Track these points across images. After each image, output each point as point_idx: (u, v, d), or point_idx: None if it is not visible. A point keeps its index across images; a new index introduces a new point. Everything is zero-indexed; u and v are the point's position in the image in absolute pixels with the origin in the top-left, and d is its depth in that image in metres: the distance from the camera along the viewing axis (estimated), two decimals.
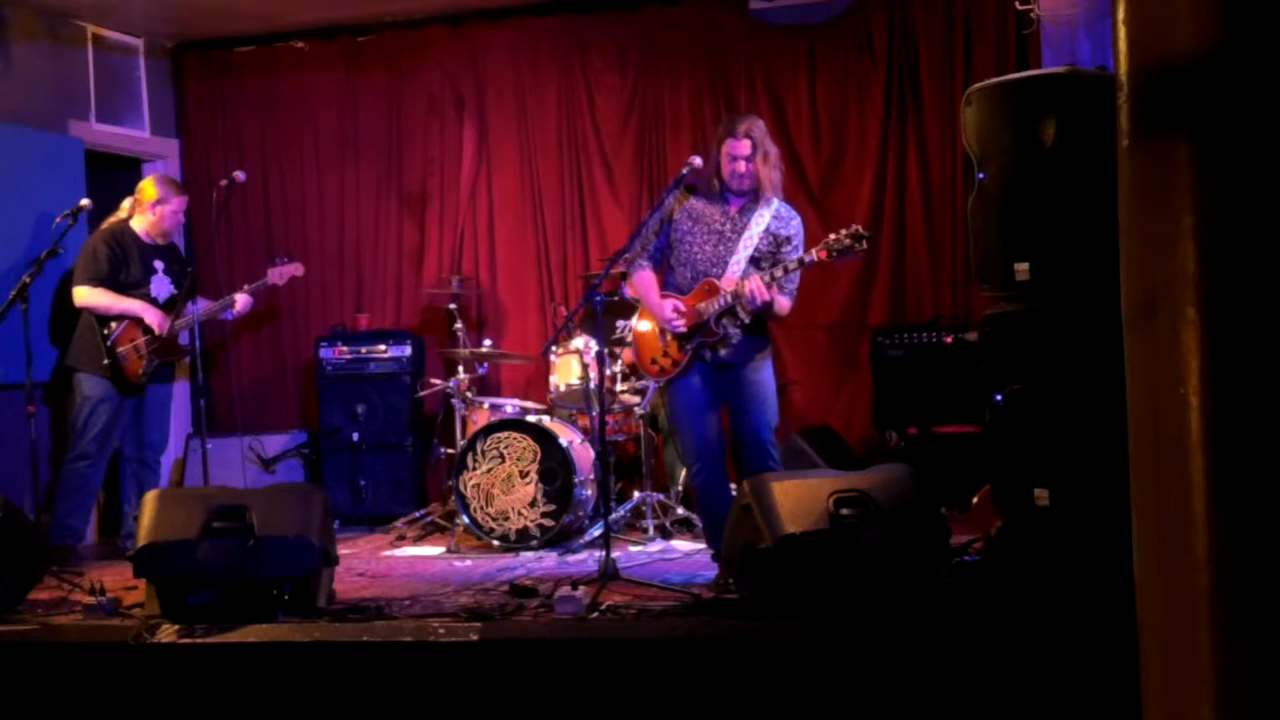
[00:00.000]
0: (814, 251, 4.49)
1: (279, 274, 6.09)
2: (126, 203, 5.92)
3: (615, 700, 3.59)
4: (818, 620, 3.72)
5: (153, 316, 5.72)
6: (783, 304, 4.63)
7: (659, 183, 6.87)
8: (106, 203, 6.04)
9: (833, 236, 4.45)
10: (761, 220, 4.64)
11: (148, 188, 5.88)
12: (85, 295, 5.72)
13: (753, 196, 4.68)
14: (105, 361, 5.66)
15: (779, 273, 4.54)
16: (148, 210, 5.83)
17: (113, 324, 5.70)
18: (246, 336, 7.56)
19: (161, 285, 5.86)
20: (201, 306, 5.85)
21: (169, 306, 5.81)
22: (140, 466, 5.89)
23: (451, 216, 7.31)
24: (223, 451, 6.47)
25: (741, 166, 4.61)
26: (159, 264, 5.88)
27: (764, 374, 4.69)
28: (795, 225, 4.72)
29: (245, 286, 5.98)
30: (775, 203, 4.70)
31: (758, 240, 4.63)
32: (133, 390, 5.76)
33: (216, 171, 7.03)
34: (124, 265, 5.75)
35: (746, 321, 4.60)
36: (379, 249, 7.45)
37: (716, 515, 4.63)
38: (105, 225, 5.87)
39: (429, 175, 7.35)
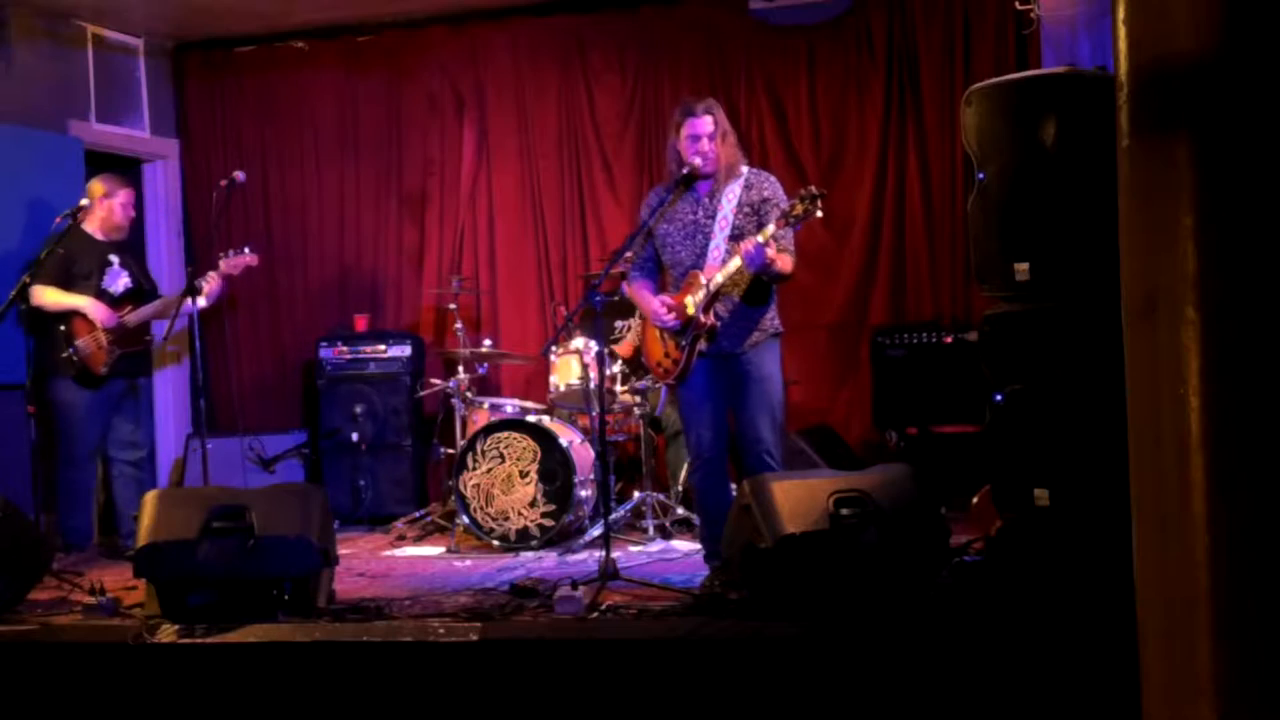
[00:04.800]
0: (771, 227, 4.36)
1: (230, 265, 5.90)
2: (80, 204, 5.89)
3: (615, 700, 3.59)
4: (817, 620, 3.72)
5: (97, 312, 5.66)
6: (785, 262, 4.46)
7: (659, 183, 6.86)
8: None
9: (787, 205, 4.35)
10: (733, 196, 4.55)
11: (94, 186, 5.86)
12: (36, 294, 5.64)
13: (721, 177, 4.59)
14: (65, 355, 5.62)
15: (767, 234, 4.35)
16: (96, 207, 5.80)
17: (66, 320, 5.66)
18: (246, 337, 7.57)
19: (117, 278, 5.82)
20: (157, 303, 5.82)
21: (129, 299, 5.80)
22: (125, 464, 5.89)
23: (451, 216, 7.31)
24: (223, 451, 6.46)
25: (705, 145, 4.53)
26: (114, 258, 5.84)
27: (768, 369, 4.58)
28: (769, 184, 4.60)
29: (204, 278, 5.81)
30: (744, 174, 4.61)
31: (734, 218, 4.53)
32: (99, 383, 5.70)
33: (216, 171, 7.03)
34: (74, 260, 5.69)
35: (737, 297, 4.55)
36: (379, 249, 7.45)
37: (712, 517, 4.61)
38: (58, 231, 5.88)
39: (429, 175, 7.35)
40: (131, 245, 6.04)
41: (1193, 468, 2.02)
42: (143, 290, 5.88)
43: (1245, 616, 1.98)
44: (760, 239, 4.34)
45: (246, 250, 5.94)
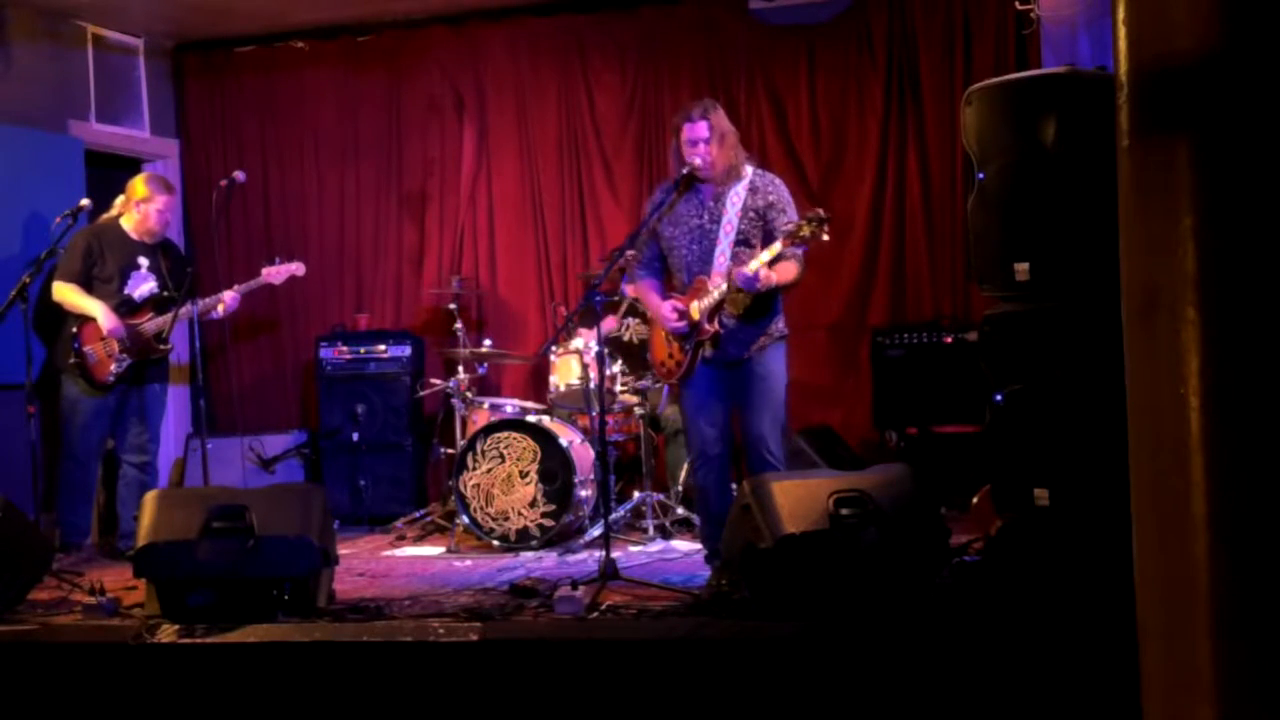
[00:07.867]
0: (778, 245, 4.36)
1: (275, 273, 6.01)
2: (119, 200, 5.88)
3: (615, 700, 3.59)
4: (818, 620, 3.72)
5: (105, 320, 5.63)
6: (786, 273, 4.45)
7: (659, 183, 6.86)
8: (106, 203, 6.04)
9: (793, 226, 4.32)
10: (737, 200, 4.55)
11: (137, 185, 5.84)
12: (56, 291, 5.70)
13: (722, 180, 4.59)
14: (71, 361, 5.64)
15: (769, 255, 4.36)
16: (133, 208, 5.80)
17: (81, 322, 5.67)
18: (246, 336, 7.57)
19: (141, 283, 5.79)
20: (185, 308, 5.78)
21: (151, 306, 5.77)
22: (131, 467, 5.87)
23: (451, 216, 7.31)
24: (223, 451, 6.46)
25: (701, 150, 4.55)
26: (144, 261, 5.80)
27: (772, 369, 4.59)
28: (774, 188, 4.59)
29: (237, 285, 5.89)
30: (749, 175, 4.60)
31: (738, 223, 4.53)
32: (104, 389, 5.69)
33: (216, 171, 7.03)
34: (99, 261, 5.70)
35: (738, 313, 4.54)
36: (379, 249, 7.46)
37: (713, 516, 4.62)
38: (96, 221, 5.86)
39: (429, 175, 7.36)
40: (170, 248, 5.99)
41: (1193, 468, 2.02)
42: (167, 296, 5.81)
43: (1245, 616, 1.98)
44: (750, 269, 4.34)
45: (290, 258, 6.05)
